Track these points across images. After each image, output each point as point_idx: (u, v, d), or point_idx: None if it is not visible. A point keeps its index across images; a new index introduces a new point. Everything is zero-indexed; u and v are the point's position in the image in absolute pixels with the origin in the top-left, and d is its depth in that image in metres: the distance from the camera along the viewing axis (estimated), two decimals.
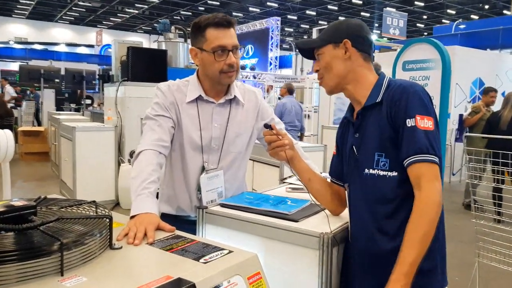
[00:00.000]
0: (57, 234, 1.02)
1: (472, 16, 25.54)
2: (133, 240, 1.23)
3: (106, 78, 8.07)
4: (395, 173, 1.34)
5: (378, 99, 1.39)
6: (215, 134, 1.80)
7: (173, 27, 7.19)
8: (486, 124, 5.54)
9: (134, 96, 6.05)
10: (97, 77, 11.87)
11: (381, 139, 1.36)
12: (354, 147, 1.45)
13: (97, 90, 13.65)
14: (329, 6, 25.61)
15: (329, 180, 1.65)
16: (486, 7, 23.58)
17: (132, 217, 1.40)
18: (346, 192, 1.51)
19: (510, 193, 4.17)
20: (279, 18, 19.38)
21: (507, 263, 3.32)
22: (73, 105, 12.70)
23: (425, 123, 1.30)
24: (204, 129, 1.79)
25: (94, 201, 1.34)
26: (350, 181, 1.46)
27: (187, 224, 1.77)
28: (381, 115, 1.37)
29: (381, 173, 1.36)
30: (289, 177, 2.31)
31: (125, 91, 6.03)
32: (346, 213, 1.58)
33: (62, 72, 12.11)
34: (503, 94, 6.85)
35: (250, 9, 26.88)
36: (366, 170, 1.39)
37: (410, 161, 1.29)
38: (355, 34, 1.44)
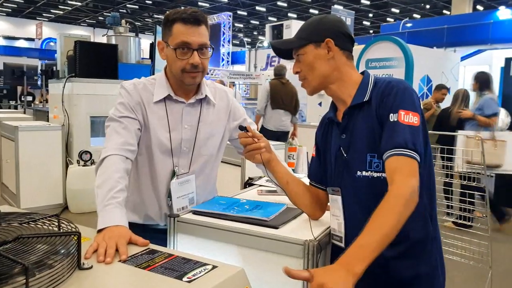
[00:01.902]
0: (19, 256, 0.89)
1: (415, 15, 26.61)
2: (104, 258, 1.11)
3: (50, 73, 7.64)
4: None
5: (366, 98, 1.33)
6: (186, 135, 1.69)
7: (123, 21, 6.88)
8: (437, 120, 5.72)
9: (83, 93, 5.74)
10: (39, 72, 11.22)
11: (371, 139, 1.30)
12: (342, 148, 1.38)
13: (39, 86, 12.92)
14: (278, 3, 25.73)
15: (304, 181, 1.59)
16: (428, 6, 24.61)
17: (99, 230, 1.27)
18: (330, 195, 1.44)
19: (458, 187, 4.35)
20: (230, 13, 19.21)
21: (461, 255, 3.43)
22: (12, 102, 11.96)
23: (410, 118, 1.23)
24: (174, 131, 1.67)
25: (56, 215, 1.20)
26: (340, 184, 1.38)
27: (156, 233, 1.66)
28: (371, 114, 1.31)
29: (375, 174, 1.29)
30: (259, 178, 2.23)
31: (73, 88, 5.70)
32: (326, 216, 1.52)
33: (0, 67, 11.38)
34: (448, 91, 7.13)
35: (200, 3, 26.48)
36: (359, 173, 1.32)
37: (387, 155, 1.21)
38: (337, 32, 1.37)
